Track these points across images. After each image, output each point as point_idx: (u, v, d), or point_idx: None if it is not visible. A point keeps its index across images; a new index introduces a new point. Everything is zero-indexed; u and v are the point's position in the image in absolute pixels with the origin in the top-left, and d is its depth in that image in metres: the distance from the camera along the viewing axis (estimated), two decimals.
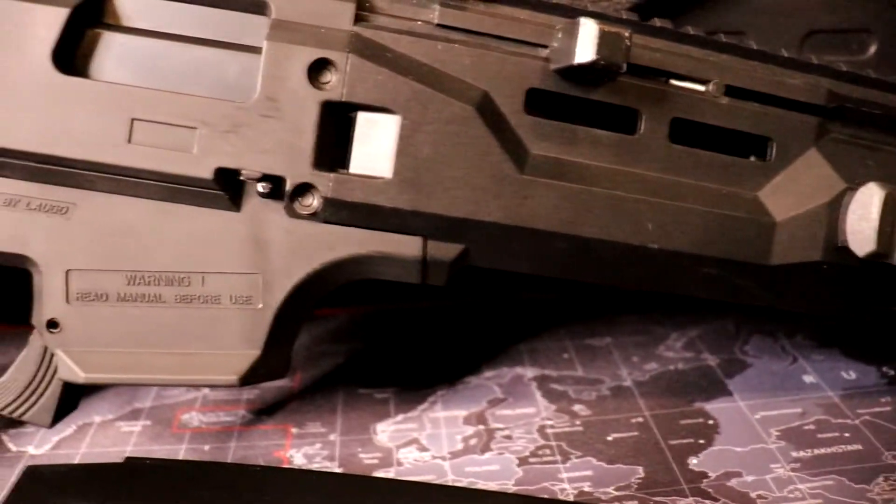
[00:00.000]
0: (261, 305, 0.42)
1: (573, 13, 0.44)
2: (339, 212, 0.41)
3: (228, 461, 0.49)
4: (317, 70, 0.40)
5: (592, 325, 0.61)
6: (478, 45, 0.42)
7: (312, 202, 0.41)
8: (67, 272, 0.41)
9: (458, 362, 0.58)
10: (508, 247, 0.43)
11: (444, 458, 0.48)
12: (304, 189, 0.40)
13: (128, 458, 0.45)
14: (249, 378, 0.42)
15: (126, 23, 0.41)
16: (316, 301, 0.43)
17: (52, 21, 0.40)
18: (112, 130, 0.40)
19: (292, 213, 0.41)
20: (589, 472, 0.47)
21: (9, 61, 0.39)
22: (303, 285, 0.42)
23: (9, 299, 0.54)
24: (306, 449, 0.50)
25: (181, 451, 0.50)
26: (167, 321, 0.42)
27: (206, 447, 0.50)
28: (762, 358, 0.56)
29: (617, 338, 0.59)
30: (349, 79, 0.40)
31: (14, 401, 0.43)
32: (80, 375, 0.41)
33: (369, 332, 0.64)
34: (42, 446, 0.51)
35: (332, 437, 0.51)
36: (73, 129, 0.40)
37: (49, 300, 0.41)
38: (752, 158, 0.46)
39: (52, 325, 0.42)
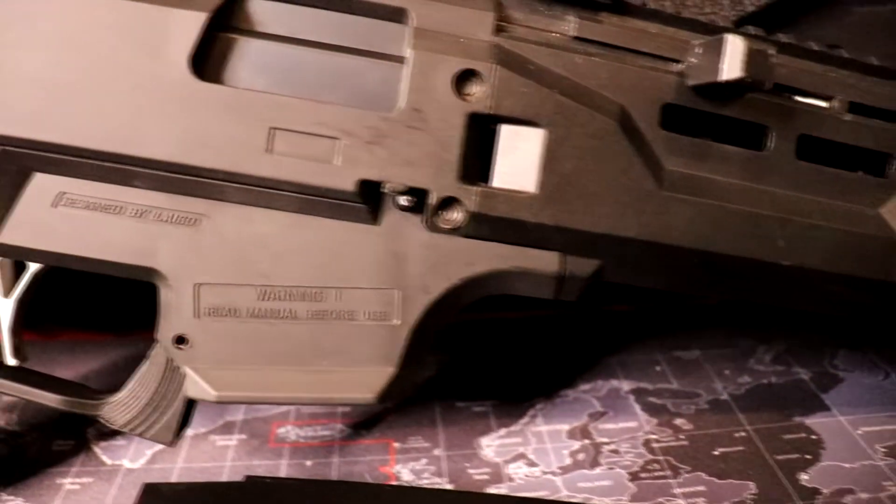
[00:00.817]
0: (397, 322, 0.40)
1: (704, 28, 0.44)
2: (482, 226, 0.40)
3: (333, 477, 0.48)
4: (462, 81, 0.39)
5: (678, 337, 0.61)
6: (614, 58, 0.42)
7: (455, 216, 0.40)
8: (197, 286, 0.40)
9: (551, 374, 0.57)
10: (642, 262, 0.43)
11: (554, 474, 0.48)
12: (448, 203, 0.39)
13: (248, 478, 0.43)
14: (386, 396, 0.40)
15: (259, 28, 0.39)
16: (449, 318, 0.43)
17: (191, 26, 0.38)
18: (251, 140, 0.38)
19: (433, 228, 0.40)
20: (702, 488, 0.47)
21: (146, 67, 0.38)
22: (440, 301, 0.41)
23: (91, 307, 0.52)
24: (412, 464, 0.49)
25: (282, 467, 0.49)
26: (300, 337, 0.40)
27: (308, 462, 0.49)
28: (854, 372, 0.57)
29: (706, 350, 0.59)
30: (496, 91, 0.39)
31: (136, 417, 0.41)
32: (211, 394, 0.39)
33: (459, 343, 0.63)
34: (137, 460, 0.50)
35: (436, 451, 0.50)
36: (210, 138, 0.38)
37: (177, 315, 0.40)
38: (860, 174, 0.46)
39: (180, 340, 0.40)
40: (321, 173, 0.38)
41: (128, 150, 0.38)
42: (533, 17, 0.42)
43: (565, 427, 0.52)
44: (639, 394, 0.55)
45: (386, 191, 0.39)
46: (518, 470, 0.48)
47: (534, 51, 0.41)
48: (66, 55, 0.37)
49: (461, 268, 0.41)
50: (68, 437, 0.52)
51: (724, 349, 0.59)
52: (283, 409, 0.53)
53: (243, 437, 0.51)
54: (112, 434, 0.52)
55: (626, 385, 0.55)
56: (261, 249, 0.40)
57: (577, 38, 0.42)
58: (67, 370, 0.57)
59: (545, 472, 0.48)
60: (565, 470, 0.48)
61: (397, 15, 0.40)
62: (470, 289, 0.41)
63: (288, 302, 0.40)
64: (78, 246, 0.39)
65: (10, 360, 0.42)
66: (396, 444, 0.50)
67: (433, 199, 0.39)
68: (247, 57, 0.39)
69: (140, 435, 0.41)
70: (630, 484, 0.47)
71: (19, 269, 0.43)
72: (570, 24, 0.42)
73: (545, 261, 0.42)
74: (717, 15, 0.53)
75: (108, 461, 0.50)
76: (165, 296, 0.40)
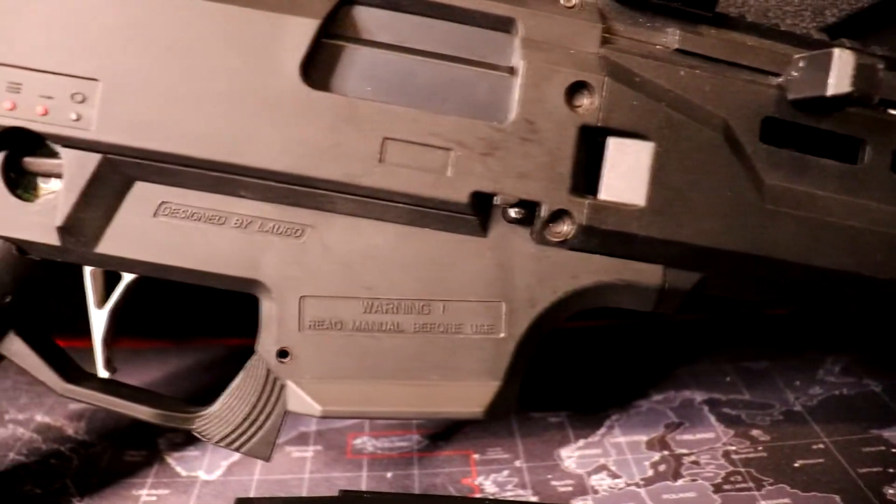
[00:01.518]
0: (503, 335, 0.40)
1: (800, 41, 0.44)
2: (590, 239, 0.40)
3: (415, 489, 0.47)
4: (572, 93, 0.39)
5: (745, 347, 0.61)
6: (715, 71, 0.41)
7: (564, 229, 0.39)
8: (302, 299, 0.39)
9: (623, 384, 0.57)
10: (743, 276, 0.42)
11: (637, 485, 0.48)
12: (558, 216, 0.39)
13: (343, 492, 0.42)
14: (492, 410, 0.40)
15: (365, 36, 0.39)
16: (548, 331, 0.42)
17: (303, 33, 0.37)
18: (365, 150, 0.37)
19: (541, 240, 0.39)
20: (787, 500, 0.47)
21: (257, 74, 0.37)
22: (545, 314, 0.40)
23: (151, 315, 0.51)
24: (494, 476, 0.48)
25: (362, 479, 0.48)
26: (405, 351, 0.39)
27: (389, 474, 0.48)
28: None
29: (774, 361, 0.59)
30: (606, 103, 0.39)
31: (234, 432, 0.40)
32: (316, 409, 0.39)
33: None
34: (213, 472, 0.49)
35: (517, 463, 0.49)
36: (323, 148, 0.37)
37: (281, 328, 0.39)
38: None
39: (283, 354, 0.39)
40: (434, 185, 0.38)
41: (238, 159, 0.37)
42: (635, 29, 0.41)
43: (643, 438, 0.51)
44: (712, 404, 0.54)
45: (498, 203, 0.39)
46: (601, 481, 0.48)
47: (639, 63, 0.40)
48: (175, 62, 0.37)
49: (566, 280, 0.40)
50: (139, 446, 0.51)
51: (791, 360, 0.59)
52: (358, 420, 0.53)
53: (319, 448, 0.50)
54: (184, 444, 0.51)
55: (698, 396, 0.55)
56: (368, 262, 0.39)
57: (678, 51, 0.41)
58: (130, 379, 0.56)
59: (629, 484, 0.48)
60: (648, 482, 0.48)
61: (504, 25, 0.39)
62: (573, 302, 0.41)
63: (394, 315, 0.39)
64: (179, 257, 0.39)
65: (103, 372, 0.41)
66: (476, 456, 0.50)
67: (544, 211, 0.39)
68: (354, 65, 0.38)
69: (236, 449, 0.40)
70: (715, 496, 0.47)
71: (111, 279, 0.42)
72: (671, 37, 0.41)
73: (648, 274, 0.41)
74: (797, 26, 0.53)
75: (184, 472, 0.49)
76: (268, 308, 0.39)
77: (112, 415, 0.54)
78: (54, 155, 0.39)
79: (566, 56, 0.39)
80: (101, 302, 0.41)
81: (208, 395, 0.42)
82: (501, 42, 0.40)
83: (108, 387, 0.41)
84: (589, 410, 0.54)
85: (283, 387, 0.40)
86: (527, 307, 0.40)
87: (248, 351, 0.40)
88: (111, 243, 0.39)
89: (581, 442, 0.51)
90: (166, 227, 0.38)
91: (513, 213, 0.39)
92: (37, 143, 0.38)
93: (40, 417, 0.54)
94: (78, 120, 0.37)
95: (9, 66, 0.37)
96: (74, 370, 0.42)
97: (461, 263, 0.39)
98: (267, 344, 0.39)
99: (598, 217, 0.39)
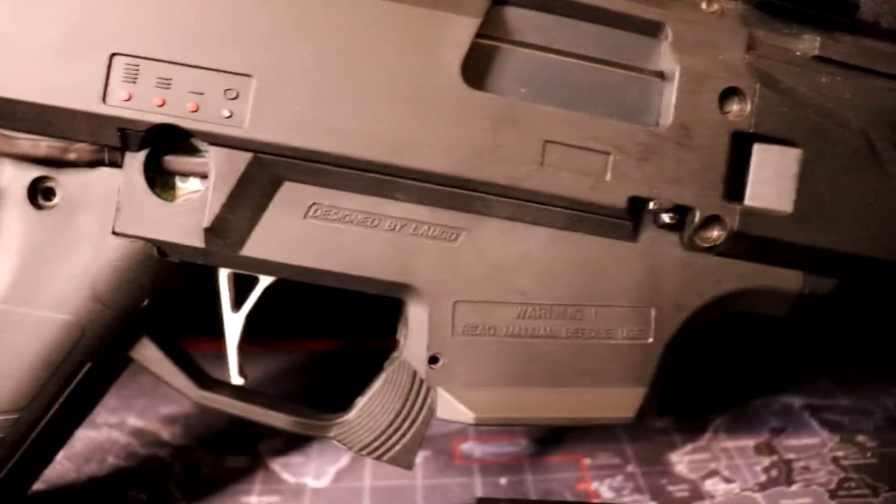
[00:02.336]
0: (651, 340, 0.39)
1: None
2: (738, 245, 0.39)
3: (532, 495, 0.47)
4: (724, 99, 0.38)
5: (837, 351, 0.61)
6: (853, 77, 0.42)
7: (714, 234, 0.39)
8: (455, 304, 0.38)
9: (719, 388, 0.57)
10: (879, 282, 0.43)
11: (752, 490, 0.47)
12: (709, 221, 0.39)
13: (480, 500, 0.42)
14: (642, 416, 0.39)
15: (518, 37, 0.38)
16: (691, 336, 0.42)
17: (464, 31, 0.36)
18: (526, 152, 0.37)
19: (690, 246, 0.39)
20: None
21: (418, 72, 0.36)
22: (691, 320, 0.40)
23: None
24: (608, 481, 0.48)
25: (477, 485, 0.47)
26: (557, 357, 0.39)
27: (502, 480, 0.48)
28: None
29: (869, 366, 0.59)
30: (758, 109, 0.38)
31: (376, 440, 0.39)
32: (468, 416, 0.38)
33: None
34: (321, 478, 0.48)
35: (629, 468, 0.49)
36: (483, 150, 0.36)
37: (433, 334, 0.38)
38: None
39: (433, 360, 0.38)
40: (593, 189, 0.37)
41: (399, 160, 0.36)
42: (774, 35, 0.41)
43: (750, 443, 0.51)
44: (812, 409, 0.54)
45: (652, 208, 0.38)
46: (716, 486, 0.48)
47: (783, 69, 0.40)
48: (332, 59, 0.35)
49: (712, 286, 0.40)
50: (239, 451, 0.50)
51: (886, 365, 0.59)
52: (459, 424, 0.52)
53: (427, 453, 0.50)
54: (286, 449, 0.50)
55: (797, 400, 0.55)
56: (521, 266, 0.38)
57: (816, 58, 0.41)
58: None
59: (744, 489, 0.47)
60: (763, 487, 0.48)
61: (653, 29, 0.39)
62: (716, 307, 0.41)
63: (547, 321, 0.39)
64: (329, 261, 0.38)
65: (236, 379, 0.40)
66: (587, 461, 0.49)
67: (697, 217, 0.38)
68: (507, 66, 0.38)
69: (377, 458, 0.39)
70: (831, 502, 0.47)
71: (242, 283, 0.40)
72: (810, 44, 0.41)
73: (789, 279, 0.41)
74: None
75: (291, 479, 0.48)
76: (418, 313, 0.38)
77: (206, 419, 0.53)
78: (196, 153, 0.38)
79: (716, 62, 0.38)
80: (236, 305, 0.40)
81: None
82: (648, 46, 0.39)
83: (242, 394, 0.40)
84: (690, 415, 0.54)
85: (429, 393, 0.39)
86: (674, 312, 0.40)
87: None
88: (258, 246, 0.37)
89: (689, 446, 0.51)
90: (316, 229, 0.37)
91: (666, 218, 0.38)
92: (178, 141, 0.37)
93: (132, 421, 0.52)
94: (230, 117, 0.36)
95: (159, 60, 0.35)
96: (205, 376, 0.41)
97: (612, 268, 0.39)
98: (416, 349, 0.38)
99: (748, 223, 0.39)
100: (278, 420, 0.40)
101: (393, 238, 0.38)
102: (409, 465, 0.40)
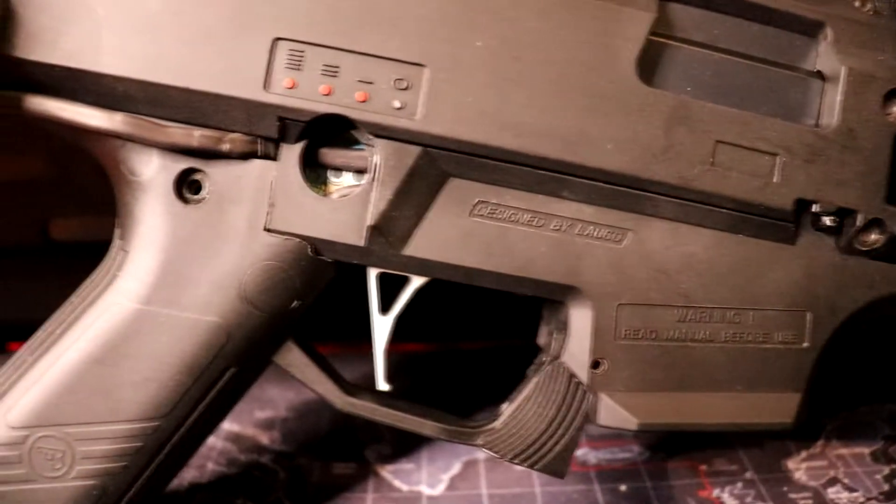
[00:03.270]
0: (806, 345, 0.39)
1: None
2: (895, 249, 0.39)
3: (654, 502, 0.46)
4: (887, 101, 0.38)
5: None
6: None
7: (872, 238, 0.38)
8: (619, 307, 0.37)
9: (825, 393, 0.56)
10: None
11: (878, 500, 0.47)
12: (870, 225, 0.38)
13: None
14: (798, 421, 0.39)
15: (682, 34, 0.37)
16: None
17: (640, 26, 0.35)
18: (697, 152, 0.36)
19: (848, 249, 0.38)
20: None
21: (594, 67, 0.34)
22: (844, 325, 0.39)
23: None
24: (730, 488, 0.47)
25: (597, 492, 0.46)
26: (715, 361, 0.38)
27: (623, 487, 0.47)
28: None
29: None
30: None
31: (528, 448, 0.38)
32: (632, 422, 0.37)
33: None
34: (436, 486, 0.47)
35: (748, 475, 0.48)
36: (656, 148, 0.35)
37: (597, 337, 0.37)
38: None
39: (595, 364, 0.37)
40: (761, 190, 0.36)
41: (572, 157, 0.35)
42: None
43: (865, 450, 0.51)
44: None
45: (816, 210, 0.37)
46: (838, 495, 0.47)
47: None
48: (507, 50, 0.34)
49: (864, 290, 0.39)
50: (345, 458, 0.48)
51: None
52: None
53: None
54: (393, 456, 0.48)
55: None
56: (684, 269, 0.37)
57: None
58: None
59: (868, 499, 0.47)
60: (888, 496, 0.47)
61: (813, 28, 0.38)
62: (869, 311, 0.40)
63: (706, 324, 0.38)
64: (494, 261, 0.36)
65: (383, 385, 0.38)
66: (703, 467, 0.49)
67: (860, 220, 0.38)
68: (674, 63, 0.36)
69: (530, 466, 0.38)
70: None
71: (388, 283, 0.39)
72: None
73: None
74: None
75: (404, 487, 0.46)
76: (580, 316, 0.37)
77: (303, 424, 0.51)
78: (350, 146, 0.36)
79: (878, 63, 0.38)
80: (384, 307, 0.38)
81: None
82: (805, 45, 0.38)
83: (387, 400, 0.38)
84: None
85: (584, 399, 0.38)
86: (829, 317, 0.39)
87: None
88: (420, 245, 0.36)
89: (804, 453, 0.50)
90: (481, 228, 0.36)
91: (827, 220, 0.38)
92: (336, 132, 0.35)
93: (228, 425, 0.50)
94: (401, 108, 0.34)
95: (325, 47, 0.33)
96: (346, 381, 0.39)
97: (771, 271, 0.38)
98: (578, 353, 0.37)
99: None
100: (426, 428, 0.38)
101: (559, 238, 0.36)
102: (562, 474, 0.38)
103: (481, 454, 0.48)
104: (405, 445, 0.49)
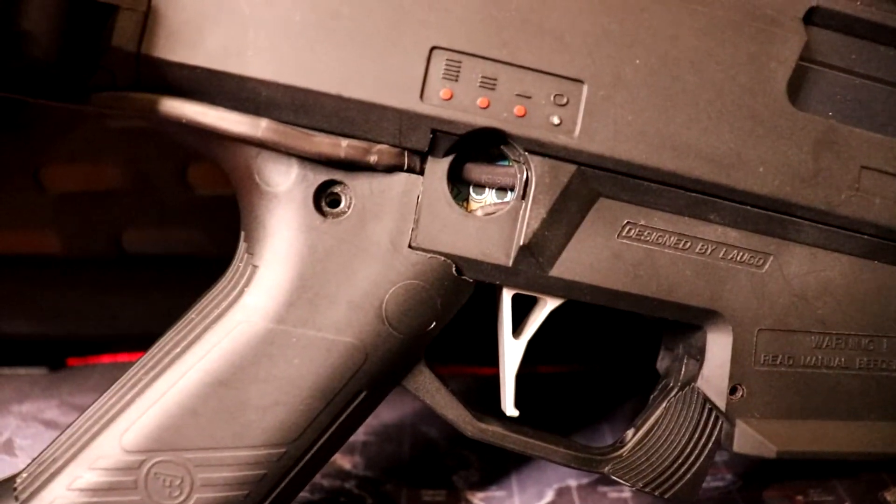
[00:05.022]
0: None
1: None
2: None
3: None
4: None
5: None
6: None
7: None
8: (759, 332, 0.36)
9: None
10: None
11: None
12: None
13: None
14: None
15: (823, 58, 0.36)
16: None
17: (792, 49, 0.35)
18: (843, 177, 0.35)
19: None
20: None
21: (749, 89, 0.34)
22: None
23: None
24: None
25: None
26: (850, 388, 0.37)
27: None
28: None
29: None
30: None
31: (659, 476, 0.36)
32: (771, 449, 0.36)
33: None
34: None
35: None
36: (805, 172, 0.35)
37: (735, 363, 0.36)
38: None
39: (733, 390, 0.36)
40: None
41: (725, 180, 0.34)
42: None
43: None
44: None
45: None
46: None
47: None
48: (666, 70, 0.33)
49: None
50: (433, 485, 0.46)
51: None
52: None
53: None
54: (481, 483, 0.46)
55: None
56: (821, 294, 0.37)
57: None
58: None
59: None
60: None
61: None
62: None
63: (842, 351, 0.37)
64: (638, 284, 0.35)
65: (511, 411, 0.36)
66: (800, 498, 0.48)
67: None
68: (818, 88, 0.36)
69: (660, 495, 0.37)
70: None
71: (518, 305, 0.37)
72: None
73: None
74: None
75: None
76: (720, 341, 0.36)
77: (383, 449, 0.49)
78: (495, 162, 0.34)
79: None
80: (517, 330, 0.36)
81: None
82: None
83: (515, 426, 0.37)
84: None
85: (717, 425, 0.37)
86: None
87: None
88: (567, 266, 0.34)
89: None
90: (628, 250, 0.35)
91: None
92: (484, 147, 0.34)
93: None
94: (559, 125, 0.33)
95: (484, 58, 0.32)
96: (475, 407, 0.37)
97: None
98: (715, 379, 0.36)
99: None
100: (557, 455, 0.36)
101: (704, 262, 0.35)
102: (691, 501, 0.37)
103: (573, 481, 0.47)
104: (493, 472, 0.47)
